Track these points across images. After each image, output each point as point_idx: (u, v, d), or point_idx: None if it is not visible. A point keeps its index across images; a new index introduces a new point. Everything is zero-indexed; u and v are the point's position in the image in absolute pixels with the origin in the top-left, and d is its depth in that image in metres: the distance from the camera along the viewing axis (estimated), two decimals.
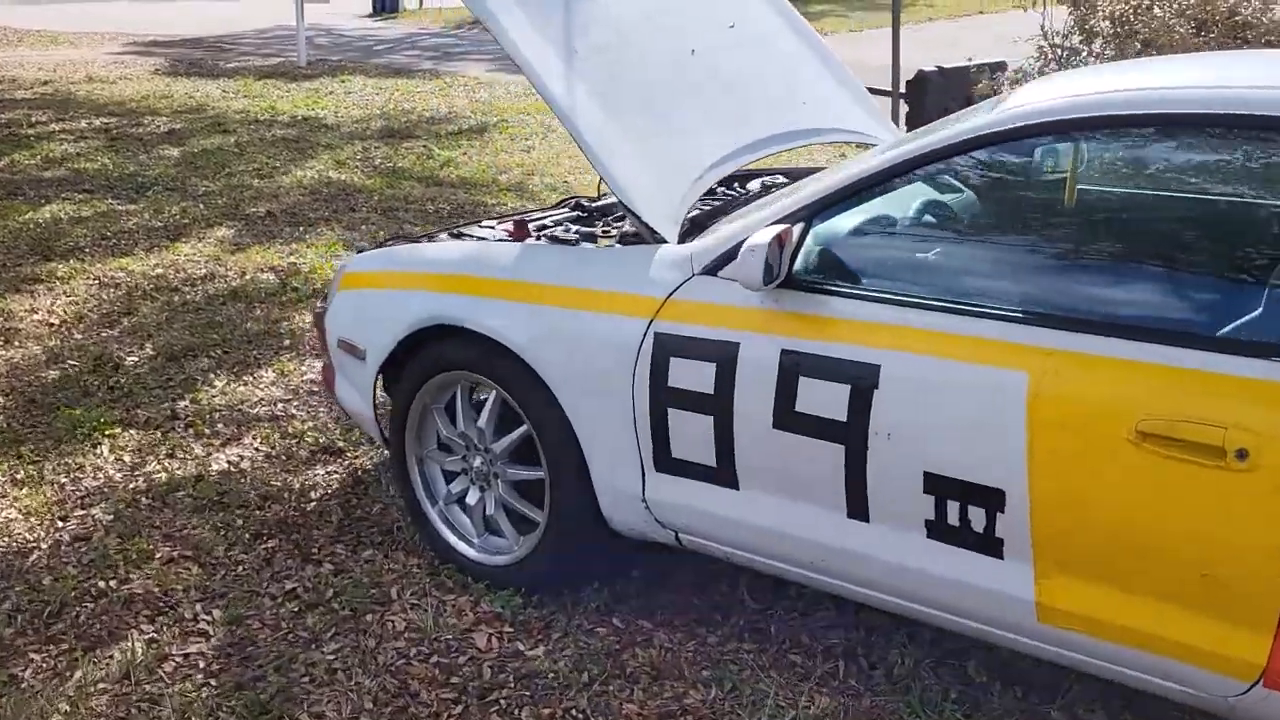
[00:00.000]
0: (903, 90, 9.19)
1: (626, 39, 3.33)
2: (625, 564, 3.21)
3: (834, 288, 2.54)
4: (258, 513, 3.69)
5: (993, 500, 2.30)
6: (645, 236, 2.90)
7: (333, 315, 3.49)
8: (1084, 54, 7.31)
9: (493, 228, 3.55)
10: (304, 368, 4.93)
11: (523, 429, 3.04)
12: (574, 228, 3.40)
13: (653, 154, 3.08)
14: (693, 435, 2.70)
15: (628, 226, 3.39)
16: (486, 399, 3.13)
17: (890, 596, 2.55)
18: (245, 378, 4.82)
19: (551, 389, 2.88)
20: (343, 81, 15.52)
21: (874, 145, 3.97)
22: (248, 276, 6.25)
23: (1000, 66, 9.34)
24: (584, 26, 3.17)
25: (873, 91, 10.11)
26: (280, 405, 4.54)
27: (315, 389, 4.68)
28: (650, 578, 3.22)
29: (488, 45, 21.46)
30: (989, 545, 2.33)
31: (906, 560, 2.46)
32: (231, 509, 3.70)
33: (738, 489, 2.68)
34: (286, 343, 5.23)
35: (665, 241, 2.85)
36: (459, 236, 3.50)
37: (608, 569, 3.16)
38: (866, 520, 2.50)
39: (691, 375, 2.67)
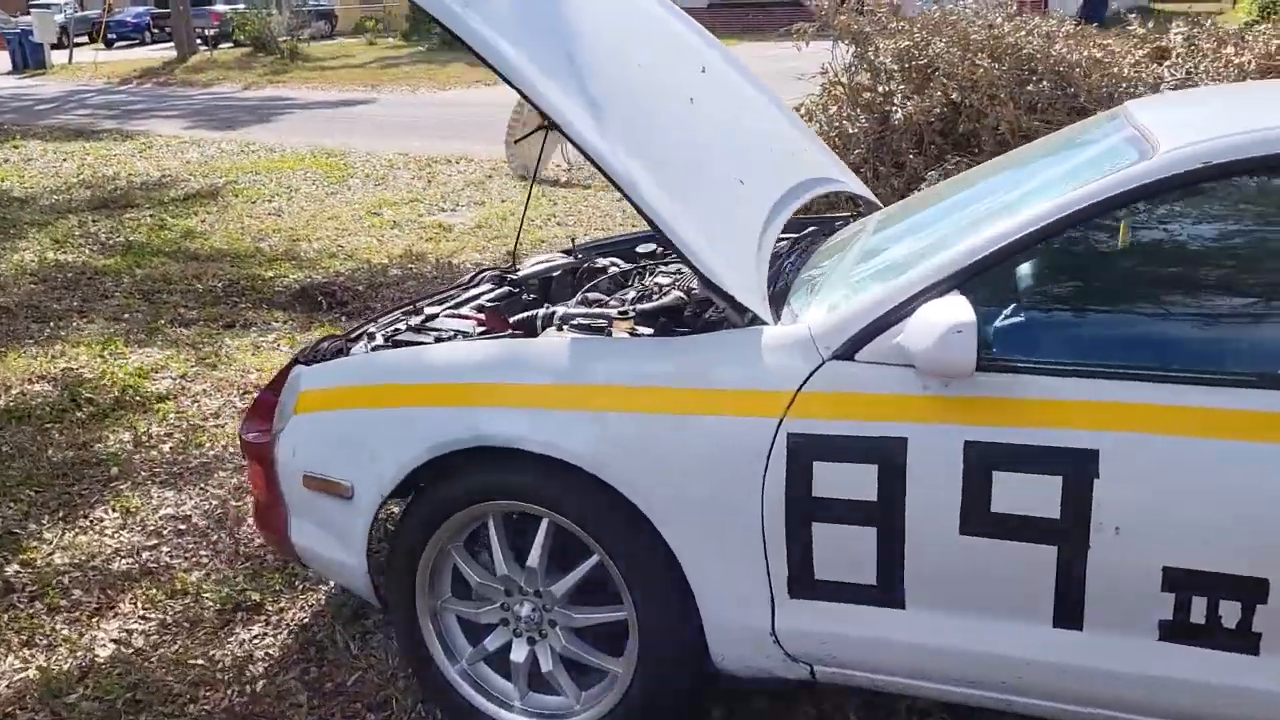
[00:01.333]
0: None
1: (636, 95, 2.87)
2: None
3: (1023, 363, 2.20)
4: (195, 707, 2.86)
5: (1252, 591, 2.04)
6: (733, 319, 2.45)
7: (290, 446, 2.77)
8: (873, 92, 7.47)
9: (425, 320, 3.02)
10: (154, 500, 4.02)
11: (590, 562, 2.50)
12: (571, 311, 2.86)
13: (712, 220, 2.63)
14: (846, 551, 2.28)
15: (631, 304, 2.91)
16: (534, 530, 2.55)
17: (1106, 710, 2.23)
18: (80, 524, 3.85)
19: (642, 510, 2.36)
20: (16, 147, 13.67)
21: (857, 197, 3.72)
22: (16, 391, 5.11)
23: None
24: (609, 91, 2.69)
25: None
26: (146, 554, 3.64)
27: (182, 526, 3.81)
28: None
29: (170, 101, 19.74)
30: (1243, 641, 2.07)
31: (1133, 667, 2.16)
32: (156, 708, 2.85)
33: (903, 608, 2.28)
34: (114, 470, 4.26)
35: (764, 323, 2.42)
36: (397, 340, 2.91)
37: None
38: (1079, 628, 2.17)
39: (845, 481, 2.24)
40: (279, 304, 6.64)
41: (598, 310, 2.86)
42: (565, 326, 2.76)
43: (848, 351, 2.29)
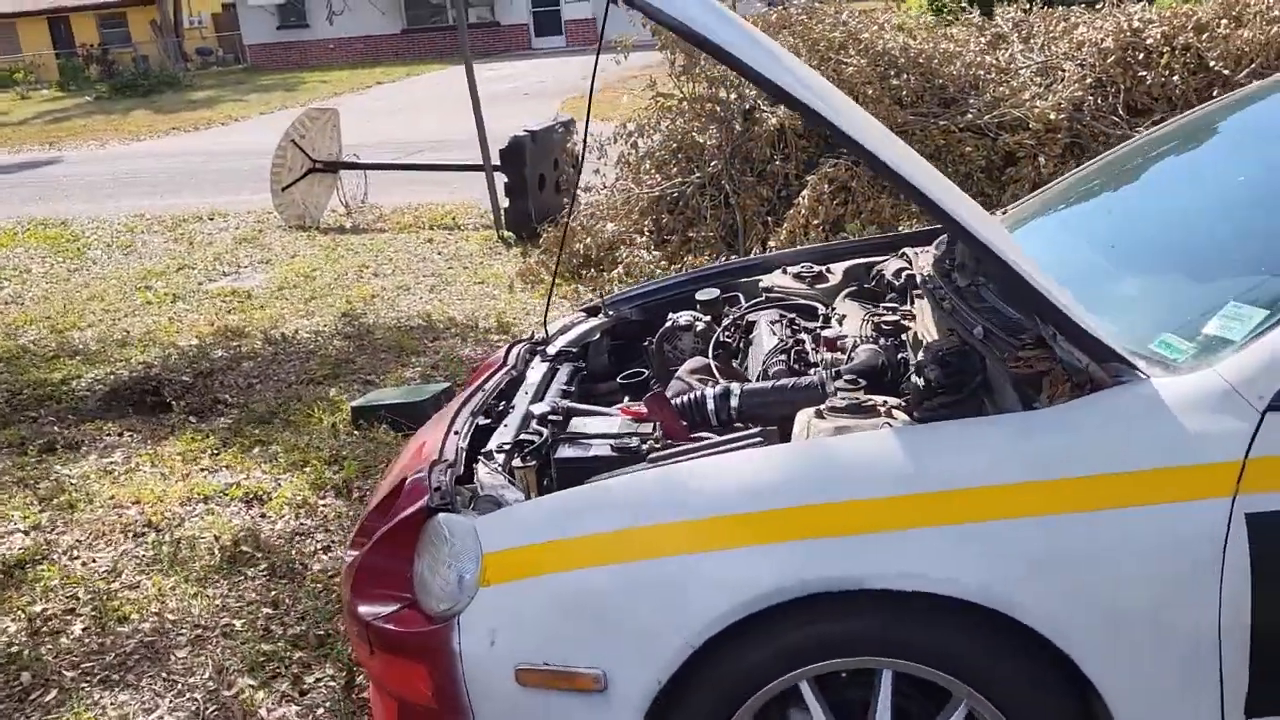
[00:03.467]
0: (495, 161, 8.38)
1: None
2: None
3: None
4: None
5: None
6: (1100, 377, 1.92)
7: (485, 631, 1.97)
8: (713, 101, 7.12)
9: (552, 423, 2.35)
10: (112, 712, 2.95)
11: (960, 712, 1.90)
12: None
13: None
14: None
15: (857, 357, 2.33)
16: (845, 689, 1.93)
17: None
18: None
19: (1047, 637, 1.80)
20: None
21: None
22: None
23: (569, 124, 8.95)
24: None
25: (463, 168, 9.27)
26: None
27: None
28: None
29: None
30: None
31: None
32: None
33: None
34: (25, 678, 3.13)
35: (1142, 376, 1.91)
36: (561, 462, 2.19)
37: None
38: None
39: None
40: (91, 412, 5.40)
41: (847, 389, 2.24)
42: (827, 414, 2.12)
43: None
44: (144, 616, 3.42)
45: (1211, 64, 5.93)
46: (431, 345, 6.08)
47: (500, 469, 2.34)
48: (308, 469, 4.45)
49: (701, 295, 3.24)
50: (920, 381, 2.22)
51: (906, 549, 1.82)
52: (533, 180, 8.31)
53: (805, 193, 6.35)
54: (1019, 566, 1.79)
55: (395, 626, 2.10)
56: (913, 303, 2.92)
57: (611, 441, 2.25)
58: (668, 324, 3.03)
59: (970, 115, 6.12)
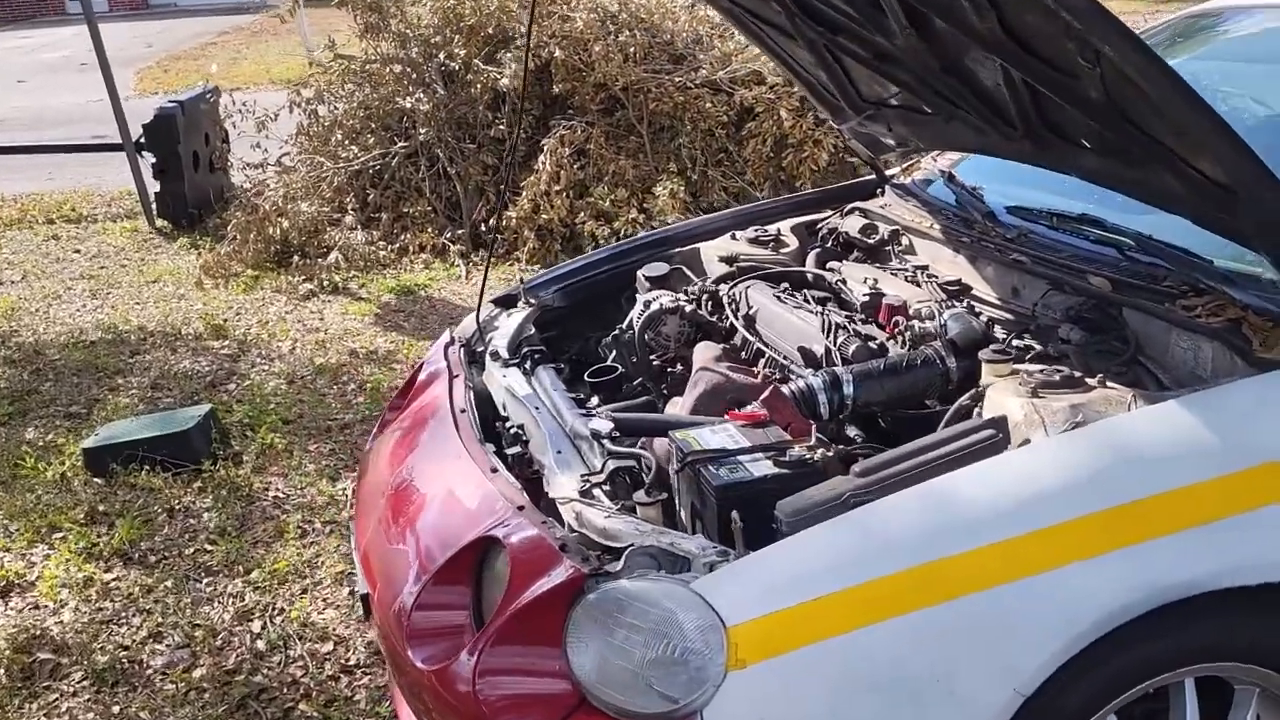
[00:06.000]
0: (140, 138, 7.11)
1: None
2: None
3: None
4: None
5: None
6: None
7: None
8: (404, 64, 6.47)
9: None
10: None
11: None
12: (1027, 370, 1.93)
13: None
14: None
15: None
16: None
17: None
18: None
19: None
20: None
21: None
22: None
23: (214, 92, 7.84)
24: None
25: (98, 148, 7.66)
26: None
27: None
28: None
29: None
30: None
31: None
32: None
33: None
34: None
35: None
36: (729, 490, 1.75)
37: None
38: None
39: None
40: None
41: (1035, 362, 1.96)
42: (1039, 391, 1.82)
43: None
44: None
45: None
46: (134, 361, 5.02)
47: (613, 510, 1.83)
48: (62, 536, 3.46)
49: (649, 271, 2.81)
50: (1069, 345, 2.00)
51: (1246, 537, 1.59)
52: (186, 159, 7.15)
53: (542, 158, 5.95)
54: None
55: None
56: (894, 260, 2.70)
57: (770, 456, 1.82)
58: (650, 308, 2.58)
59: (704, 71, 6.01)
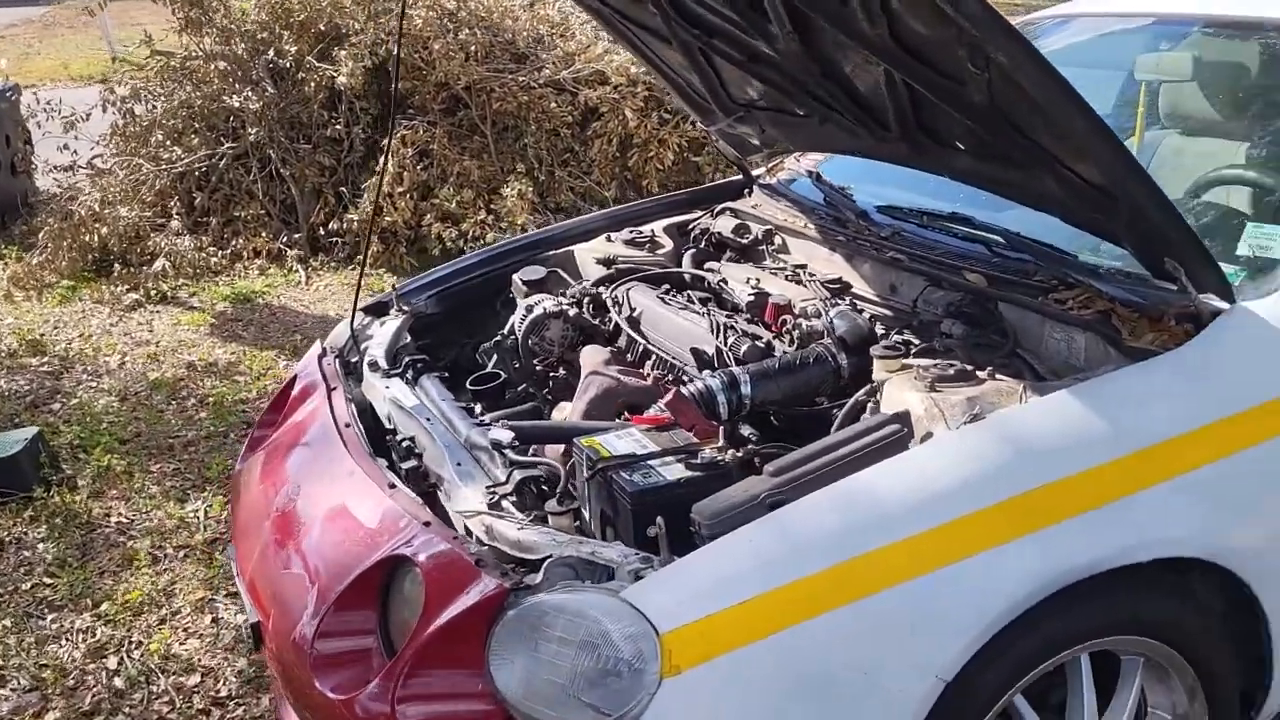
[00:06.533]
0: None
1: None
2: None
3: None
4: None
5: None
6: (1197, 309, 1.87)
7: None
8: (231, 61, 6.19)
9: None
10: None
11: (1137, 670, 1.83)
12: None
13: None
14: None
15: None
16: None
17: None
18: None
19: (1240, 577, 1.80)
20: None
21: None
22: None
23: (15, 89, 7.34)
24: None
25: None
26: None
27: None
28: None
29: None
30: None
31: None
32: None
33: None
34: None
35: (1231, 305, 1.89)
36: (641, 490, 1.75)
37: None
38: None
39: None
40: None
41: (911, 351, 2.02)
42: (937, 385, 1.88)
43: None
44: None
45: None
46: None
47: (525, 521, 1.80)
48: None
49: (525, 275, 2.77)
50: (952, 340, 2.07)
51: (1136, 516, 1.68)
52: None
53: (384, 158, 5.79)
54: (1226, 513, 1.75)
55: None
56: (768, 259, 2.75)
57: (681, 459, 1.81)
58: (532, 312, 2.54)
59: (547, 70, 5.97)
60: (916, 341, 2.12)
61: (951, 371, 1.89)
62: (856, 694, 1.55)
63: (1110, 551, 1.64)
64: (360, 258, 5.93)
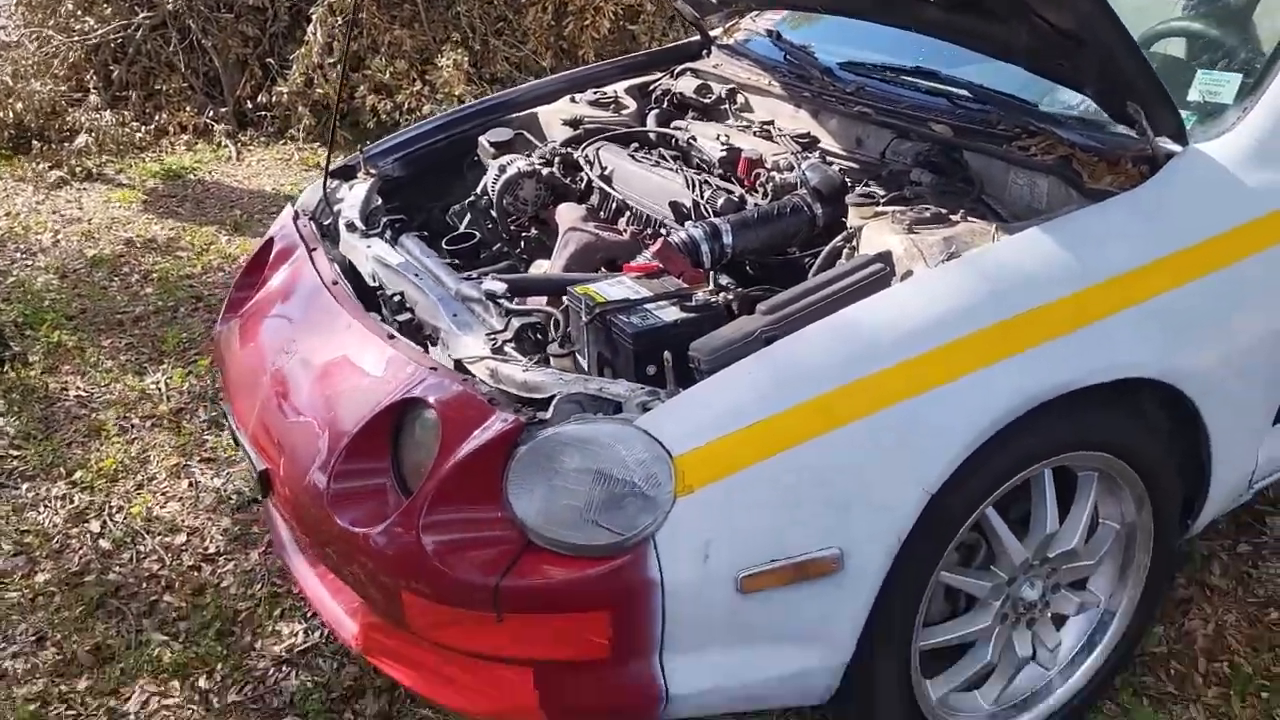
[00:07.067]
0: None
1: None
2: None
3: None
4: None
5: None
6: (1153, 151, 1.99)
7: (696, 545, 1.61)
8: None
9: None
10: None
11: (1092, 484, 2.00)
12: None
13: None
14: None
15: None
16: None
17: None
18: None
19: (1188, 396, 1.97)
20: None
21: None
22: None
23: None
24: None
25: None
26: None
27: None
28: None
29: None
30: None
31: None
32: None
33: None
34: None
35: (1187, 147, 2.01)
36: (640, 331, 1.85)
37: None
38: None
39: None
40: None
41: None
42: (914, 227, 1.98)
43: None
44: None
45: None
46: None
47: (530, 364, 1.88)
48: None
49: (493, 136, 2.79)
50: (921, 187, 2.17)
51: (1101, 341, 1.82)
52: None
53: (311, 28, 5.63)
54: (1176, 335, 1.90)
55: (546, 578, 1.63)
56: (731, 118, 2.80)
57: (675, 302, 1.90)
58: (506, 173, 2.58)
59: None
60: (883, 192, 2.22)
61: (928, 215, 2.00)
62: (853, 506, 1.68)
63: (1079, 374, 1.78)
64: (283, 129, 5.83)
